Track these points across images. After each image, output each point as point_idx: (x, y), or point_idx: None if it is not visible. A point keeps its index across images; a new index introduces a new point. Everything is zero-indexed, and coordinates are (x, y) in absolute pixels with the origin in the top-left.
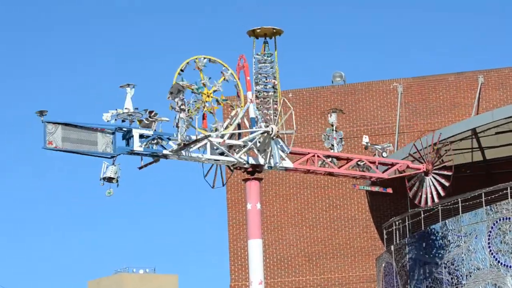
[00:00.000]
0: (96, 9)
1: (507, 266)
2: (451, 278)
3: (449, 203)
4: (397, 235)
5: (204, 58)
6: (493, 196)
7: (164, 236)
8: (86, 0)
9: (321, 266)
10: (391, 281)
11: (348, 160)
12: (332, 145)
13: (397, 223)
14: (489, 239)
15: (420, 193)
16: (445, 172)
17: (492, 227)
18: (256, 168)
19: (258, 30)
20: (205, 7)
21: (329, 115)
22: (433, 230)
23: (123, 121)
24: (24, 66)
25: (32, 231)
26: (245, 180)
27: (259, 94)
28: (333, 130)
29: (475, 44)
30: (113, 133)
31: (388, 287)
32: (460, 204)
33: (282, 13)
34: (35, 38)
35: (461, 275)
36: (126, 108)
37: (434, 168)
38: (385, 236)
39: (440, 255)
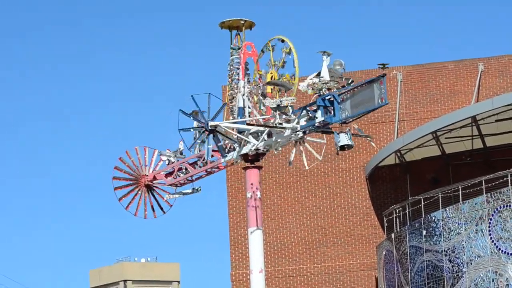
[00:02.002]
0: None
1: (507, 253)
2: (452, 266)
3: (449, 191)
4: (398, 222)
5: (279, 39)
6: (493, 184)
7: (166, 225)
8: None
9: (321, 254)
10: (392, 269)
11: None
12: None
13: (397, 211)
14: (489, 226)
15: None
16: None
17: (492, 215)
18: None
19: (230, 22)
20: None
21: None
22: (433, 218)
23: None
24: None
25: (33, 220)
26: (245, 168)
27: (232, 86)
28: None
29: (474, 32)
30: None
31: (388, 274)
32: (460, 192)
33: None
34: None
35: (461, 263)
36: (321, 77)
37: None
38: (385, 224)
39: (440, 243)
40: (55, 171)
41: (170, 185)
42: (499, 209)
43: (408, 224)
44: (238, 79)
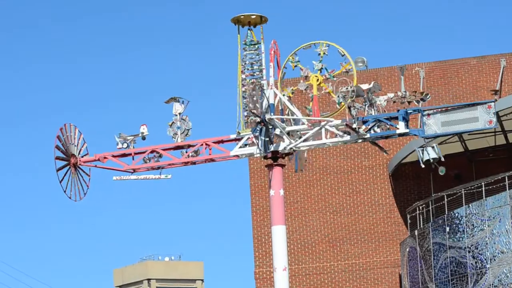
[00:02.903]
0: None
1: None
2: (475, 262)
3: (472, 187)
4: (421, 219)
5: (325, 44)
6: None
7: (190, 224)
8: None
9: (345, 251)
10: (415, 266)
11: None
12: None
13: (420, 207)
14: None
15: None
16: None
17: None
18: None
19: (242, 17)
20: None
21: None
22: (456, 214)
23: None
24: None
25: (58, 219)
26: (268, 166)
27: (244, 82)
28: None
29: (497, 27)
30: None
31: (412, 271)
32: (483, 188)
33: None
34: None
35: (485, 259)
36: (404, 91)
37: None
38: (408, 221)
39: (463, 239)
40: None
41: (128, 170)
42: None
43: (431, 221)
44: (259, 74)
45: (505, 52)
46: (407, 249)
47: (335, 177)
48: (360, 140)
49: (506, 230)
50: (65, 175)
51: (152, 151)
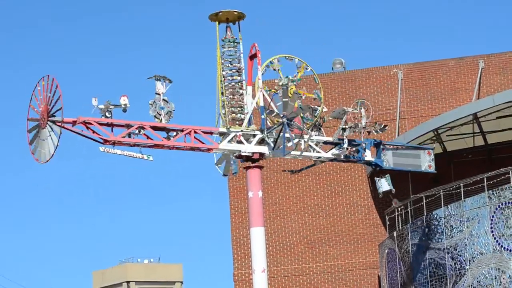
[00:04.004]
0: None
1: (510, 250)
2: (454, 263)
3: (451, 188)
4: (400, 221)
5: (280, 57)
6: (495, 181)
7: (168, 226)
8: None
9: (323, 253)
10: (394, 267)
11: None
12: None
13: (399, 209)
14: (491, 223)
15: None
16: None
17: (494, 212)
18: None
19: (220, 14)
20: None
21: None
22: (435, 216)
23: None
24: None
25: (36, 221)
26: (246, 168)
27: (225, 81)
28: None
29: (475, 29)
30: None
31: (391, 273)
32: (462, 189)
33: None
34: None
35: (464, 260)
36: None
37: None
38: (387, 222)
39: (442, 241)
40: (55, 169)
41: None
42: (501, 206)
43: (410, 222)
44: (235, 72)
45: (483, 53)
46: (386, 251)
47: (313, 178)
48: (332, 158)
49: (485, 231)
50: (35, 136)
51: (139, 127)
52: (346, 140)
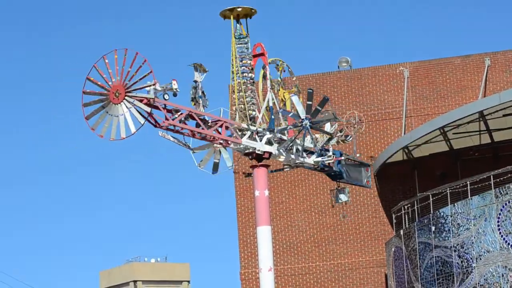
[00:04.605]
0: None
1: None
2: (461, 261)
3: (457, 186)
4: (406, 219)
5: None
6: (502, 178)
7: (175, 225)
8: None
9: (330, 251)
10: (401, 265)
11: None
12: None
13: (406, 207)
14: (498, 221)
15: None
16: None
17: (501, 209)
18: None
19: (239, 10)
20: None
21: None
22: (442, 214)
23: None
24: None
25: (43, 221)
26: (253, 167)
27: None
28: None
29: (481, 27)
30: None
31: (398, 271)
32: (468, 187)
33: None
34: None
35: (471, 258)
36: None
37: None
38: (394, 221)
39: (449, 239)
40: (64, 171)
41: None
42: (508, 203)
43: (416, 220)
44: (245, 69)
45: (489, 51)
46: (393, 249)
47: (319, 177)
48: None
49: (492, 229)
50: (97, 111)
51: (188, 114)
52: (331, 149)
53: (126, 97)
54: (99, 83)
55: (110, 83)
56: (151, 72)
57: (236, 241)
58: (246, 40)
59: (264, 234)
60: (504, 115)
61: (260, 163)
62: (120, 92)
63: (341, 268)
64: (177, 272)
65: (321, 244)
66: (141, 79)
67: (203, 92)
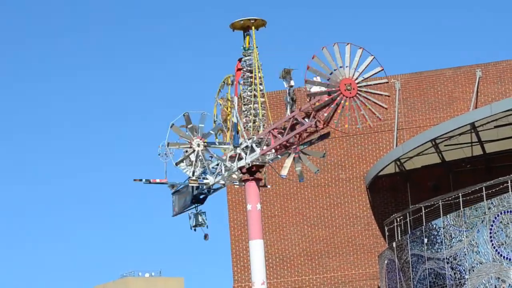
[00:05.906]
0: None
1: (509, 259)
2: (454, 273)
3: (450, 198)
4: (399, 231)
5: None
6: (494, 190)
7: (169, 240)
8: None
9: (323, 265)
10: (394, 278)
11: None
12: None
13: (398, 219)
14: (491, 232)
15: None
16: None
17: (493, 221)
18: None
19: (241, 22)
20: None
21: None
22: (434, 226)
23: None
24: None
25: (38, 235)
26: (244, 181)
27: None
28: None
29: (472, 39)
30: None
31: (391, 283)
32: (461, 199)
33: (276, 10)
34: None
35: (464, 270)
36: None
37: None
38: (386, 233)
39: (442, 250)
40: (59, 184)
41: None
42: (500, 215)
43: (409, 232)
44: (250, 82)
45: (480, 62)
46: (386, 261)
47: (312, 190)
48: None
49: (485, 241)
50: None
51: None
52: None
53: (359, 92)
54: (322, 73)
55: (340, 76)
56: (381, 69)
57: (229, 255)
58: (250, 52)
59: (256, 248)
60: (495, 127)
61: (251, 177)
62: (353, 87)
63: (334, 281)
64: (171, 286)
65: (314, 258)
66: (371, 75)
67: (293, 99)
